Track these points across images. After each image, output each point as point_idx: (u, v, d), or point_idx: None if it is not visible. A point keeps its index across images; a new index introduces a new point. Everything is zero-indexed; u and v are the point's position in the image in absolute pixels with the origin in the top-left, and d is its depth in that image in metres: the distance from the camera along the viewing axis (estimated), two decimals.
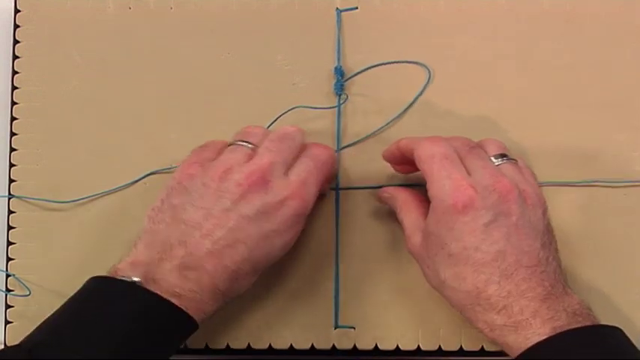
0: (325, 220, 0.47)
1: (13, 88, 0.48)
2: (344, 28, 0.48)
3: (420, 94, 0.47)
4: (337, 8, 0.48)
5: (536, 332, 0.37)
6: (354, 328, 0.46)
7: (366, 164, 0.47)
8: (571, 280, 0.46)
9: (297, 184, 0.40)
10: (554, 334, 0.36)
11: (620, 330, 0.38)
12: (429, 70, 0.47)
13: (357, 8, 0.48)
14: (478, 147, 0.42)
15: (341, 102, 0.47)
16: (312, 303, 0.46)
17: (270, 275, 0.46)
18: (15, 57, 0.48)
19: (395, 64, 0.47)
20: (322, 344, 0.46)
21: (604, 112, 0.47)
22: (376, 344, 0.46)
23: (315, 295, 0.46)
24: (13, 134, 0.48)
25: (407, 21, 0.48)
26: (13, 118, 0.48)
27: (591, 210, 0.46)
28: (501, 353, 0.45)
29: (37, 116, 0.48)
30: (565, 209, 0.46)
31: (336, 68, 0.47)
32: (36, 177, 0.47)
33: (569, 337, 0.36)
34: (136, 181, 0.47)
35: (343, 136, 0.47)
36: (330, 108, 0.47)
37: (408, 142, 0.42)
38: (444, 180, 0.39)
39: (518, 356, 0.37)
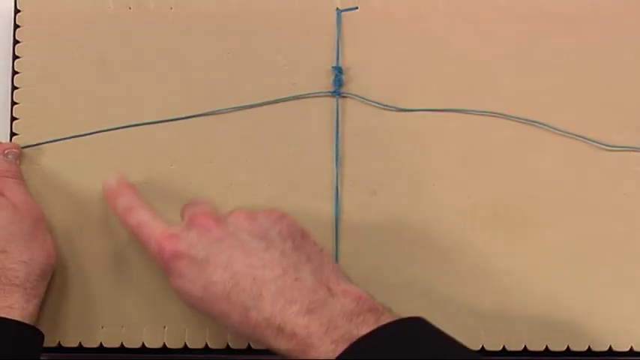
0: (325, 220, 0.47)
1: (13, 88, 0.48)
2: (344, 28, 0.48)
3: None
4: (337, 8, 0.48)
5: (320, 351, 0.34)
6: None
7: (366, 163, 0.47)
8: (572, 280, 0.46)
9: None
10: (341, 349, 0.33)
11: (410, 320, 0.35)
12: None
13: (357, 8, 0.48)
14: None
15: (339, 100, 0.47)
16: None
17: None
18: (15, 57, 0.48)
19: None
20: None
21: (604, 112, 0.47)
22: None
23: None
24: (13, 134, 0.48)
25: (407, 21, 0.48)
26: (13, 118, 0.48)
27: (591, 210, 0.47)
28: (501, 353, 0.45)
29: (37, 116, 0.48)
30: (565, 208, 0.46)
31: (334, 67, 0.47)
32: (36, 177, 0.47)
33: (357, 350, 0.33)
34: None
35: (342, 135, 0.47)
36: (327, 93, 0.47)
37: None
38: (149, 240, 0.40)
39: None
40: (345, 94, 0.47)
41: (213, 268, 0.37)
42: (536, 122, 0.47)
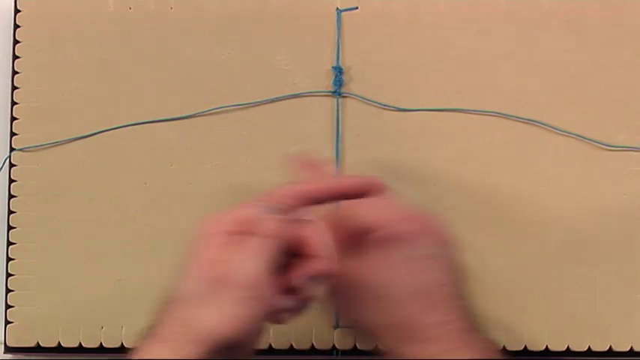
0: None
1: (13, 88, 0.48)
2: (344, 28, 0.48)
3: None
4: (337, 8, 0.48)
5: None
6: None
7: (366, 163, 0.47)
8: (572, 280, 0.46)
9: None
10: None
11: None
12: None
13: (357, 8, 0.48)
14: None
15: (339, 100, 0.47)
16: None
17: None
18: (15, 57, 0.48)
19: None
20: (322, 344, 0.46)
21: (604, 112, 0.47)
22: (376, 344, 0.46)
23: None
24: (13, 134, 0.48)
25: (407, 21, 0.48)
26: (13, 118, 0.48)
27: (591, 210, 0.47)
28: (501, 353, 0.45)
29: (37, 116, 0.48)
30: (565, 208, 0.46)
31: (334, 67, 0.47)
32: (36, 177, 0.47)
33: None
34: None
35: (342, 134, 0.47)
36: (327, 93, 0.47)
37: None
38: None
39: None
40: (345, 94, 0.47)
41: None
42: (536, 122, 0.47)
